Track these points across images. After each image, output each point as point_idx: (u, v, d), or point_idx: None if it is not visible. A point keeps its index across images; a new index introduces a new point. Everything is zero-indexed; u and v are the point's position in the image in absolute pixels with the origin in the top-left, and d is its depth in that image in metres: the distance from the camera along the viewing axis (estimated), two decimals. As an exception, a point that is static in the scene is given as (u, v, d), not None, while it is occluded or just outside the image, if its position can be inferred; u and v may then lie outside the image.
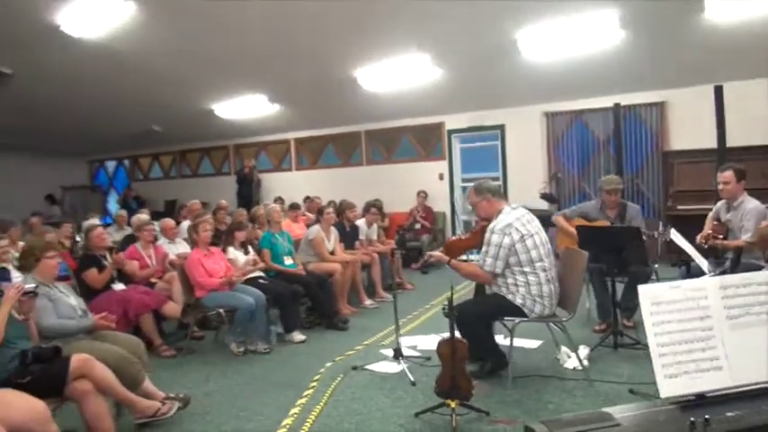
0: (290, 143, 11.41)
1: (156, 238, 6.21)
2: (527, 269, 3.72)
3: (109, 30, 7.36)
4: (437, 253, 4.07)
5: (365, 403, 3.60)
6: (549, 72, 7.86)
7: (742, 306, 1.62)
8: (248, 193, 11.00)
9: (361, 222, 7.39)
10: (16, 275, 5.54)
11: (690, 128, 7.87)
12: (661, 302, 1.58)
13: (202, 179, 12.55)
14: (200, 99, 9.94)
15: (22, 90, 9.13)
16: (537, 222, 3.96)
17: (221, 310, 5.13)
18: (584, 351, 4.19)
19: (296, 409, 3.56)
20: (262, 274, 5.84)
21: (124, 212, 9.26)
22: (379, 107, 9.54)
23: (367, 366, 4.27)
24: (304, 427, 3.29)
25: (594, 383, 3.73)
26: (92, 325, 3.64)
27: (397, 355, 4.20)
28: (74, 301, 3.69)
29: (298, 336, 5.40)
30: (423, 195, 9.64)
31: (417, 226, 9.49)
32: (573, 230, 4.91)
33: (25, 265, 3.60)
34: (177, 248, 6.30)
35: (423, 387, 3.81)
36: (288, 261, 6.17)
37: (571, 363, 4.08)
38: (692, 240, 4.11)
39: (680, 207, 7.64)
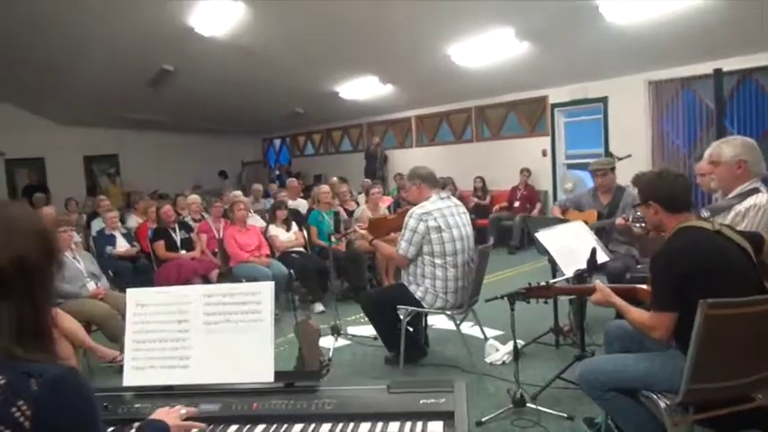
0: (411, 121, 11.79)
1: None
2: (438, 261, 3.76)
3: (230, 27, 8.46)
4: (360, 230, 4.27)
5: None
6: (646, 36, 7.07)
7: (222, 314, 1.79)
8: (373, 169, 11.70)
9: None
10: (121, 241, 7.02)
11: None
12: (146, 304, 1.84)
13: (343, 155, 13.60)
14: (324, 82, 10.81)
15: (185, 82, 10.87)
16: (464, 217, 3.93)
17: (244, 280, 5.92)
18: (510, 346, 4.07)
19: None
20: (300, 249, 6.49)
21: (260, 186, 10.67)
22: (482, 83, 9.44)
23: (314, 340, 4.68)
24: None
25: (486, 379, 3.70)
26: (92, 291, 4.61)
27: (335, 331, 4.53)
28: (83, 266, 4.71)
29: (318, 307, 5.97)
30: (526, 174, 9.35)
31: (516, 204, 9.28)
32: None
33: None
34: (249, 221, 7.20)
35: (339, 364, 4.14)
36: (332, 238, 6.72)
37: (493, 357, 4.02)
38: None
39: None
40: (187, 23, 8.37)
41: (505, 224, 9.01)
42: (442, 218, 3.76)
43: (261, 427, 1.56)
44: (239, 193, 7.88)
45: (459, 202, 4.04)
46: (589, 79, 8.62)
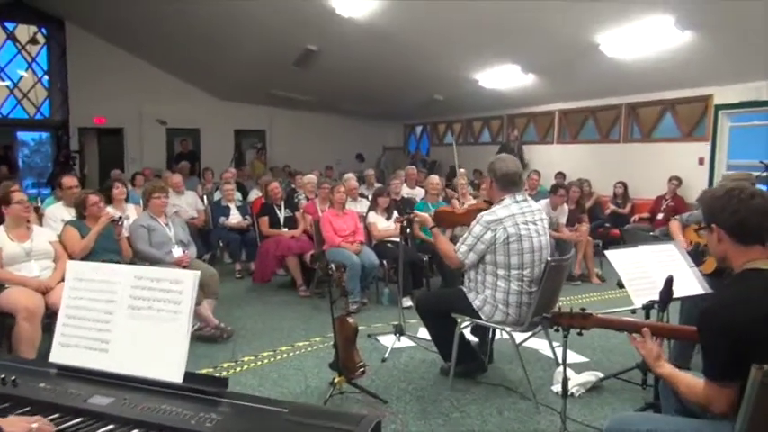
0: (555, 115, 10.96)
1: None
2: (501, 272, 3.32)
3: (369, 10, 8.42)
4: (423, 214, 3.93)
5: (312, 367, 3.94)
6: None
7: (147, 299, 1.59)
8: (508, 165, 11.08)
9: (543, 203, 6.97)
10: (234, 213, 7.29)
11: None
12: (82, 279, 1.69)
13: (481, 147, 13.06)
14: (463, 69, 10.39)
15: (328, 63, 11.08)
16: (540, 225, 3.43)
17: (332, 265, 5.82)
18: (586, 377, 3.52)
19: (266, 352, 4.10)
20: (396, 239, 6.25)
21: (372, 171, 10.56)
22: (635, 78, 8.47)
23: (378, 337, 4.45)
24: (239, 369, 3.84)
25: (542, 410, 3.21)
26: (176, 258, 4.74)
27: (398, 331, 4.23)
28: (171, 232, 4.86)
29: (406, 301, 5.69)
30: (675, 183, 8.24)
31: (660, 216, 8.22)
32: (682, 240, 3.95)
33: (144, 203, 4.95)
34: (356, 206, 7.12)
35: (391, 366, 3.87)
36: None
37: (560, 387, 3.48)
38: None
39: None
40: (329, 4, 8.44)
41: (640, 237, 8.04)
42: (514, 226, 3.28)
43: (133, 433, 1.35)
44: (351, 175, 7.80)
45: (536, 206, 3.51)
46: (763, 78, 7.34)
